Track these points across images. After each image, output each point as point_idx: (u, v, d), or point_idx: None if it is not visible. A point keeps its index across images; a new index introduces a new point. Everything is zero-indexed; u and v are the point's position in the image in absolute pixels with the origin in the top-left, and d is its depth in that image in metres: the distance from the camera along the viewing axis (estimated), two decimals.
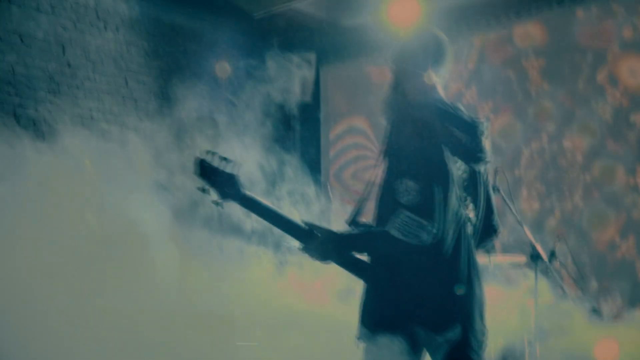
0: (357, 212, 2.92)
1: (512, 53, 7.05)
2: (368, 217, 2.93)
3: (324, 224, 2.91)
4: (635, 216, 6.20)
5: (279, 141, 7.34)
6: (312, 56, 7.37)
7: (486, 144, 2.74)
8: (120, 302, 3.49)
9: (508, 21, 7.02)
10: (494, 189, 5.02)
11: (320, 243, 2.79)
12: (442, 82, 2.88)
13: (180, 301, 3.65)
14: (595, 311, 5.23)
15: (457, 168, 2.69)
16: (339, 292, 4.84)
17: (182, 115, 6.88)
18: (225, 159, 2.94)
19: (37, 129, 6.39)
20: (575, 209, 6.54)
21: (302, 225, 2.85)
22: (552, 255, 5.30)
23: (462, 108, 2.79)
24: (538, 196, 6.77)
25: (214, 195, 2.92)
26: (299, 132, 8.68)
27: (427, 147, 2.62)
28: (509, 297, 4.93)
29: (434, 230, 2.56)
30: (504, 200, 5.15)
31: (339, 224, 2.92)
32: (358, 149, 8.24)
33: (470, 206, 2.76)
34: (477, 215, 2.80)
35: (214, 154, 2.95)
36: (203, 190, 2.94)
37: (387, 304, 2.70)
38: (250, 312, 3.71)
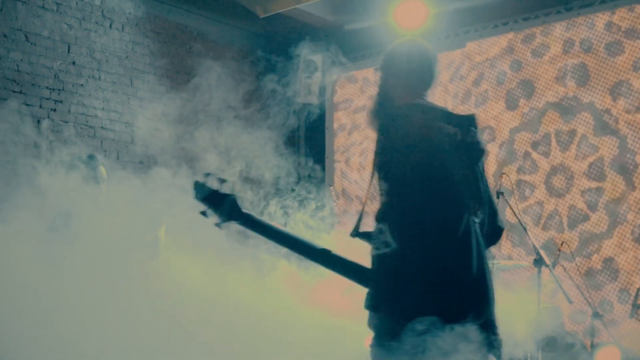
0: (359, 223, 2.88)
1: (520, 56, 7.03)
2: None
3: (329, 227, 2.90)
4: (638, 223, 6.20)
5: (285, 143, 7.33)
6: (318, 58, 7.37)
7: (480, 136, 2.74)
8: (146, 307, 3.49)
9: (515, 25, 7.01)
10: (498, 193, 5.04)
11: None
12: (429, 90, 2.87)
13: (206, 310, 3.62)
14: (598, 315, 5.23)
15: (461, 165, 2.67)
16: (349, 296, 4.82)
17: (186, 115, 6.89)
18: (222, 180, 2.91)
19: (42, 127, 6.38)
20: (581, 214, 6.53)
21: (312, 243, 2.83)
22: (555, 260, 5.31)
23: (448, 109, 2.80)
24: (544, 201, 6.76)
25: (214, 218, 2.90)
26: (304, 134, 8.67)
27: (413, 148, 2.63)
28: (511, 301, 4.91)
29: (388, 230, 2.59)
30: (509, 205, 5.15)
31: (342, 227, 2.91)
32: (363, 151, 8.24)
33: (473, 202, 2.73)
34: (482, 212, 2.75)
35: (209, 175, 2.93)
36: (204, 214, 2.91)
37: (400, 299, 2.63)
38: (267, 321, 3.68)
